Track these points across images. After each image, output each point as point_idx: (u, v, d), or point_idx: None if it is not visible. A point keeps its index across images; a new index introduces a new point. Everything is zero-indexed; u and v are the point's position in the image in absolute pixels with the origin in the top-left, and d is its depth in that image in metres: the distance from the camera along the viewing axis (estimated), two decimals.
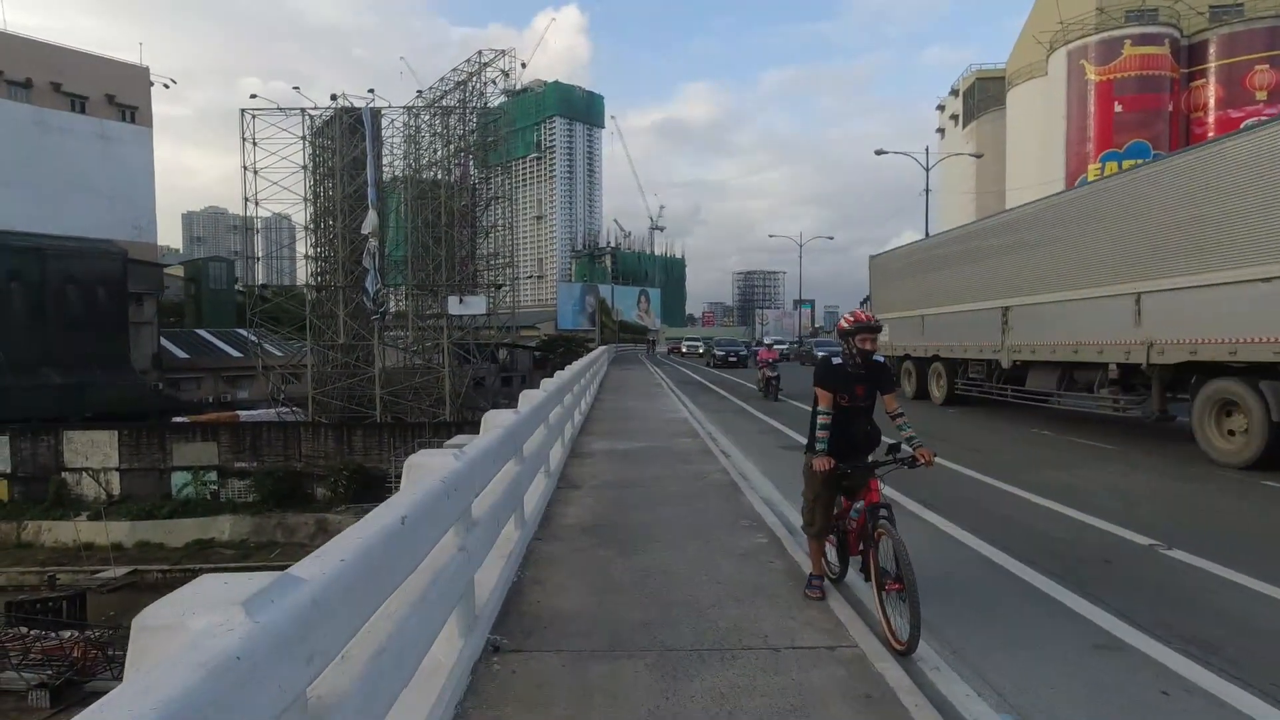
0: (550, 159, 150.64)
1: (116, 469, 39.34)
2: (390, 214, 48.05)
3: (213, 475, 40.23)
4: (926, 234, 31.01)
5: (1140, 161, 41.44)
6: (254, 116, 41.23)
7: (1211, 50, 41.27)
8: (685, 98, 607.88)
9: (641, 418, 13.03)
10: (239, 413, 47.45)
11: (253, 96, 40.11)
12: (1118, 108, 41.27)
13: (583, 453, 9.37)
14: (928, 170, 29.69)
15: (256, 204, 41.81)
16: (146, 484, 39.87)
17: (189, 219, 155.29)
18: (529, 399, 6.76)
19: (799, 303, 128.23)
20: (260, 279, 52.61)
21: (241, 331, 54.50)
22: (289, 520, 38.36)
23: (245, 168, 40.99)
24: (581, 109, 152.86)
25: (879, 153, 29.44)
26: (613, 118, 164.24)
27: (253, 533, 37.80)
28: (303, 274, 45.86)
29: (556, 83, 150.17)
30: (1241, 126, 40.62)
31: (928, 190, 30.26)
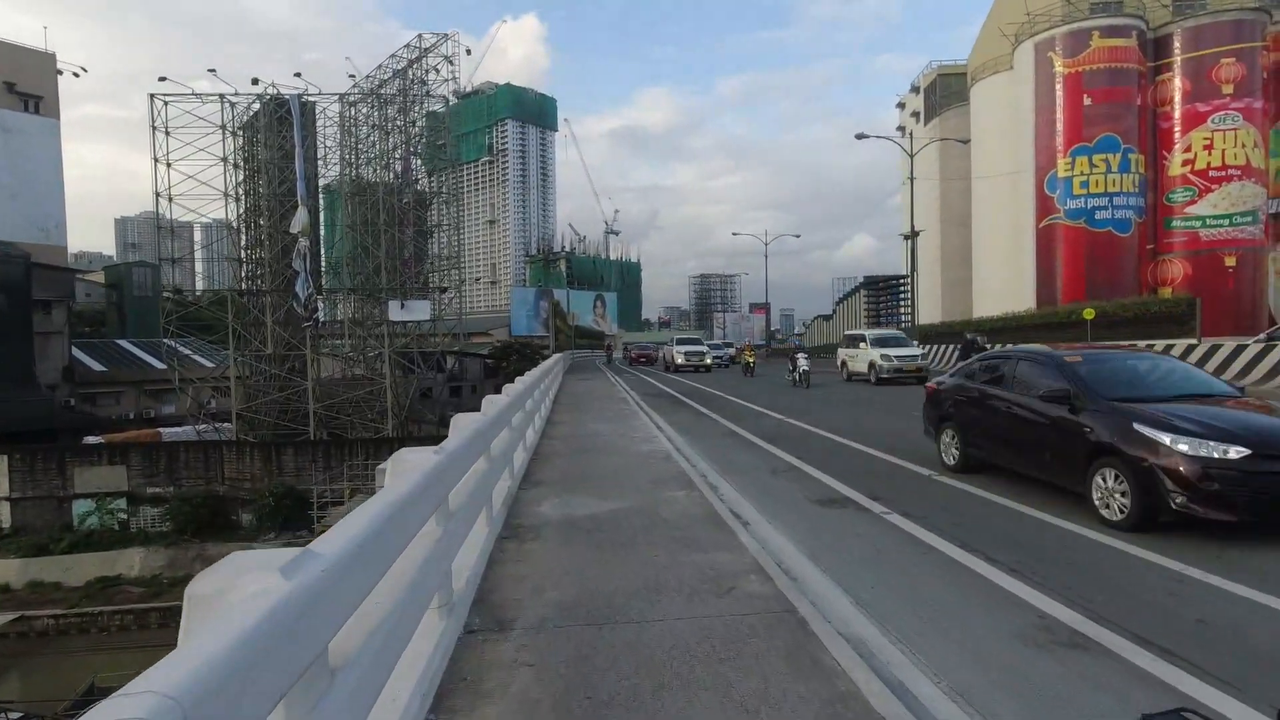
0: (503, 162, 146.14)
1: (6, 498, 34.33)
2: (328, 213, 43.74)
3: (121, 502, 35.47)
4: (911, 221, 28.45)
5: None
6: (165, 103, 36.62)
7: (1176, 43, 39.83)
8: (643, 103, 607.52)
9: (608, 451, 9.63)
10: (160, 430, 42.44)
11: (162, 79, 35.51)
12: (1087, 100, 39.50)
13: (522, 525, 5.97)
14: (912, 156, 27.15)
15: (170, 200, 37.17)
16: (43, 515, 34.87)
17: (123, 224, 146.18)
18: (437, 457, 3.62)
19: (755, 306, 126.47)
20: (199, 285, 47.68)
21: (169, 341, 49.36)
22: (209, 551, 33.84)
23: (156, 160, 36.34)
24: (534, 112, 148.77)
25: (860, 137, 26.84)
26: (566, 120, 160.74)
27: (167, 567, 33.23)
28: (228, 278, 41.22)
29: (508, 85, 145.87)
30: (1209, 120, 39.46)
31: (912, 178, 27.69)
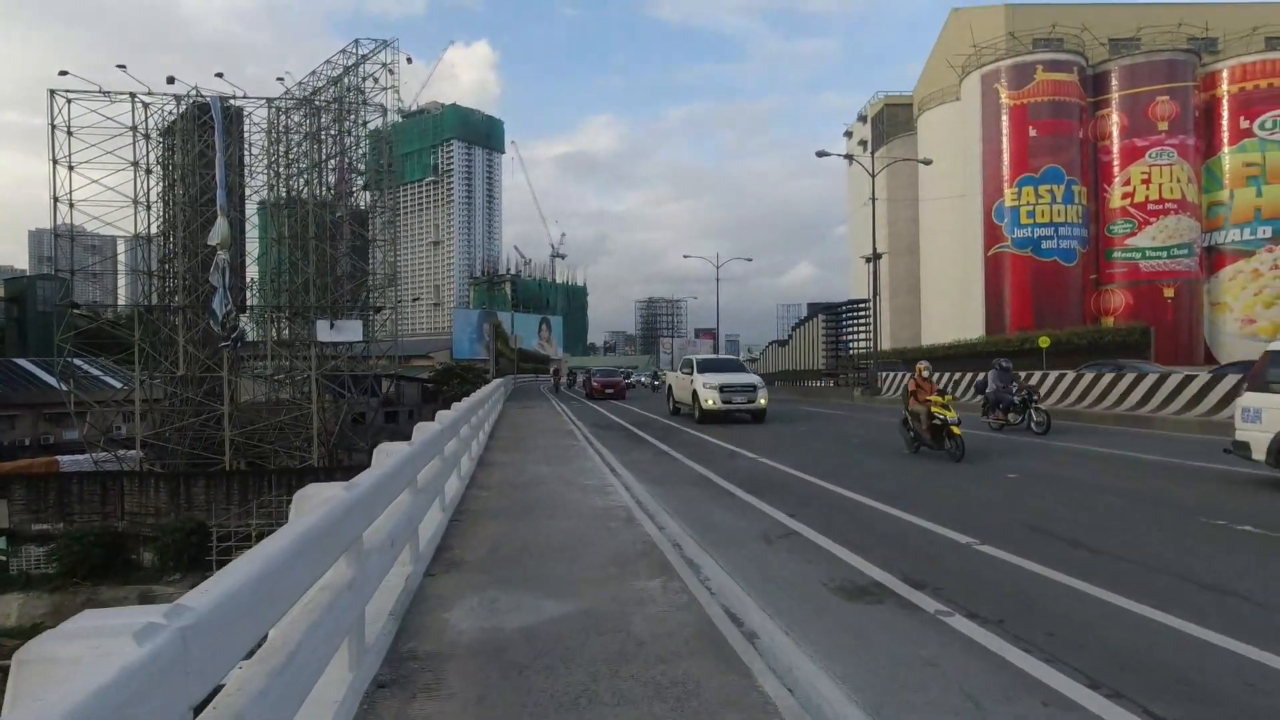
0: (448, 183, 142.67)
1: None
2: (261, 227, 40.42)
3: (1, 541, 31.31)
4: (874, 243, 27.29)
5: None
6: (69, 100, 33.12)
7: (1114, 80, 40.46)
8: (591, 130, 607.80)
9: (554, 507, 7.49)
10: (59, 459, 38.02)
11: (63, 74, 32.09)
12: (1032, 131, 39.64)
13: (415, 656, 3.82)
14: (874, 175, 26.02)
15: (71, 207, 33.53)
16: None
17: (37, 237, 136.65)
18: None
19: (702, 331, 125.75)
20: (120, 300, 43.31)
21: (76, 361, 44.77)
22: (103, 595, 30.02)
23: (55, 161, 32.73)
24: (481, 133, 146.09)
25: (820, 154, 25.61)
26: (513, 142, 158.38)
27: (51, 614, 29.17)
28: (137, 293, 37.48)
29: (454, 105, 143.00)
30: (1146, 155, 40.00)
31: (874, 198, 26.55)
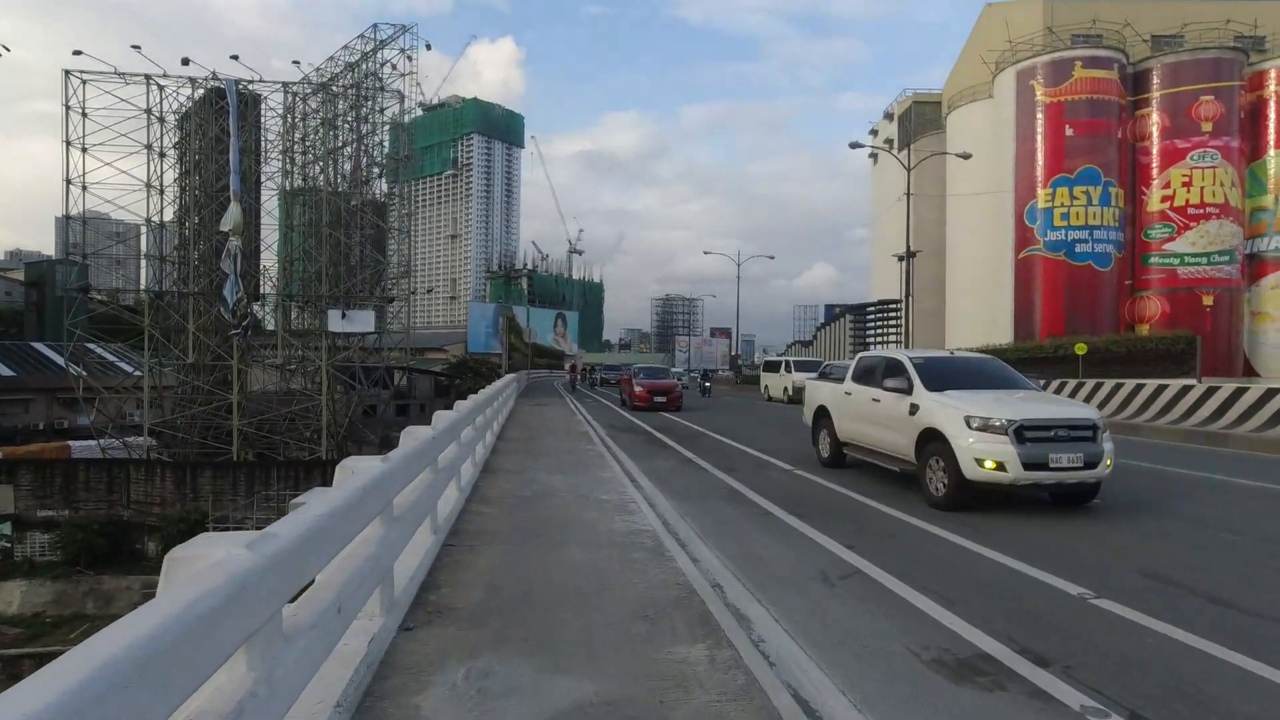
0: (467, 177, 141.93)
1: None
2: (281, 214, 39.55)
3: (5, 527, 30.65)
4: (908, 240, 25.88)
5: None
6: (83, 81, 32.36)
7: (1156, 79, 38.65)
8: (611, 127, 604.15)
9: (566, 532, 6.29)
10: (71, 444, 37.38)
11: (77, 54, 31.33)
12: (1069, 131, 37.94)
13: None
14: (909, 170, 24.62)
15: (84, 189, 32.80)
16: None
17: (61, 223, 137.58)
18: None
19: (717, 330, 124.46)
20: (142, 286, 42.64)
21: (92, 347, 44.26)
22: (106, 585, 29.31)
23: (68, 143, 31.99)
24: (501, 127, 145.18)
25: (854, 145, 24.24)
26: (533, 137, 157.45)
27: (53, 602, 28.57)
28: (149, 278, 36.75)
29: (475, 99, 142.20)
30: (1188, 157, 38.18)
31: (909, 194, 25.14)
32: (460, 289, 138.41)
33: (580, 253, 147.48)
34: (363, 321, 33.51)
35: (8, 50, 48.87)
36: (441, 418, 6.54)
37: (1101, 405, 18.07)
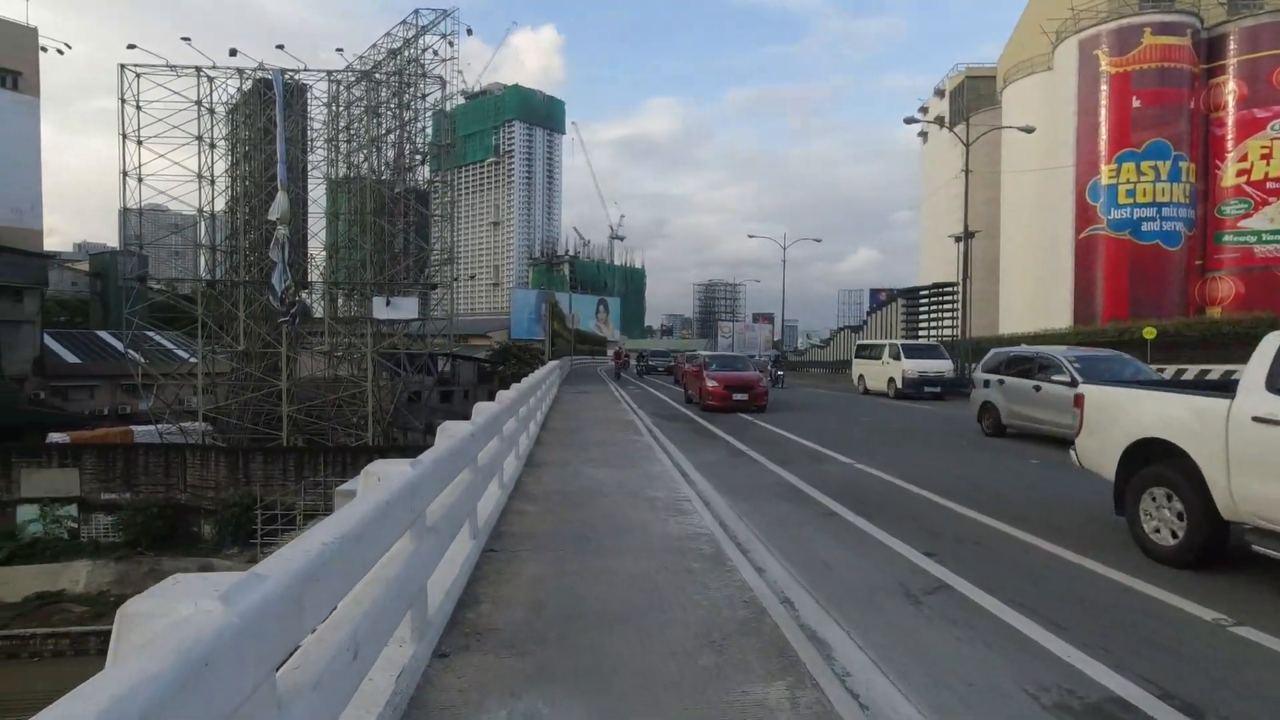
0: (509, 164, 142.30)
1: None
2: (329, 203, 39.90)
3: (71, 509, 31.64)
4: (965, 219, 24.64)
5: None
6: (138, 75, 32.91)
7: (1232, 44, 36.07)
8: (651, 112, 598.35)
9: (614, 537, 5.74)
10: (133, 429, 38.51)
11: (131, 47, 31.83)
12: (1136, 102, 35.73)
13: None
14: (968, 146, 23.36)
15: (140, 181, 33.43)
16: None
17: (127, 217, 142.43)
18: None
19: (759, 316, 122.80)
20: (200, 275, 43.78)
21: (152, 334, 45.60)
22: (164, 566, 29.99)
23: (123, 136, 32.61)
24: (542, 114, 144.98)
25: (909, 121, 23.09)
26: (574, 123, 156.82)
27: (115, 582, 29.33)
28: (200, 267, 37.44)
29: (516, 86, 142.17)
30: (1268, 128, 35.69)
31: (967, 170, 23.89)
32: (503, 276, 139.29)
33: (622, 238, 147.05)
34: (406, 308, 33.58)
35: (69, 48, 50.17)
36: (482, 410, 6.08)
37: None
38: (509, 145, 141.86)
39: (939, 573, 5.14)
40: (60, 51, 49.74)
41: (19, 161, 46.80)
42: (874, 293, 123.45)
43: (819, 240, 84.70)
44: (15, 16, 46.69)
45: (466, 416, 5.08)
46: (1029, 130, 24.37)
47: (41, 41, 49.45)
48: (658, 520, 6.29)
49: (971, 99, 48.98)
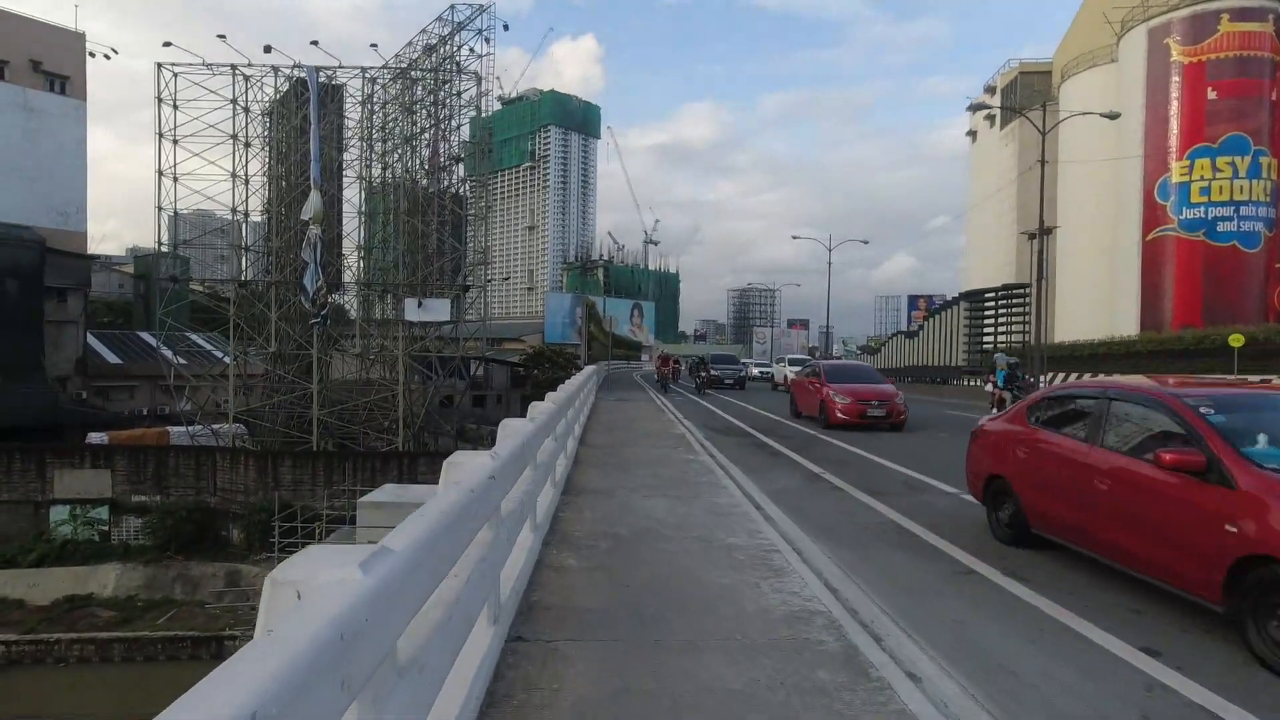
0: (544, 168, 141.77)
1: None
2: (360, 204, 39.07)
3: (103, 511, 30.95)
4: (1041, 214, 22.47)
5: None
6: (175, 74, 32.28)
7: None
8: (687, 119, 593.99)
9: (687, 613, 4.08)
10: (169, 430, 37.94)
11: (166, 45, 31.20)
12: (1211, 94, 33.07)
13: None
14: (1043, 134, 21.18)
15: (175, 180, 32.79)
16: (17, 521, 30.43)
17: (174, 221, 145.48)
18: None
19: (794, 322, 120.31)
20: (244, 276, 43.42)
21: (192, 335, 45.22)
22: (193, 571, 29.10)
23: (160, 135, 31.98)
24: (578, 119, 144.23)
25: (974, 108, 20.88)
26: (609, 128, 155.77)
27: (144, 586, 28.48)
28: (233, 268, 36.76)
29: (553, 91, 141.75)
30: None
31: (1043, 161, 21.73)
32: (537, 280, 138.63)
33: (656, 243, 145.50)
34: (439, 310, 32.35)
35: (115, 53, 50.25)
36: (510, 434, 4.43)
37: None
38: (545, 150, 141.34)
39: (1194, 693, 3.33)
40: (107, 57, 49.86)
41: (66, 165, 46.83)
42: (912, 299, 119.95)
43: (866, 242, 79.89)
44: (64, 22, 46.99)
45: (500, 422, 3.63)
46: (1113, 116, 22.07)
47: (90, 47, 49.64)
48: (746, 584, 4.55)
49: (1024, 95, 46.35)
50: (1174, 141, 33.94)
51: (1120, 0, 36.63)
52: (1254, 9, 33.03)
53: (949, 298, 45.49)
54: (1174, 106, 33.88)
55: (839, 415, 14.63)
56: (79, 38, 47.92)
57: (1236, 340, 23.89)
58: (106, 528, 30.55)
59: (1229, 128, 32.89)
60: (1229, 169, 32.99)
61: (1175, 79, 33.79)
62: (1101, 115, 21.31)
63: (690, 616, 4.01)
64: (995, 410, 14.11)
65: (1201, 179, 33.33)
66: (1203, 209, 33.40)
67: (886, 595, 4.58)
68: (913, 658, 3.65)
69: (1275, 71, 33.27)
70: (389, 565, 1.71)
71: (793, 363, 30.21)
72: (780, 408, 19.55)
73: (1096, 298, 37.96)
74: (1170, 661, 3.70)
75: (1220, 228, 33.27)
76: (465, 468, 3.23)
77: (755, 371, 35.97)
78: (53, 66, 46.35)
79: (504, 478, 3.48)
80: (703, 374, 26.94)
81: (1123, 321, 35.27)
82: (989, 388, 15.27)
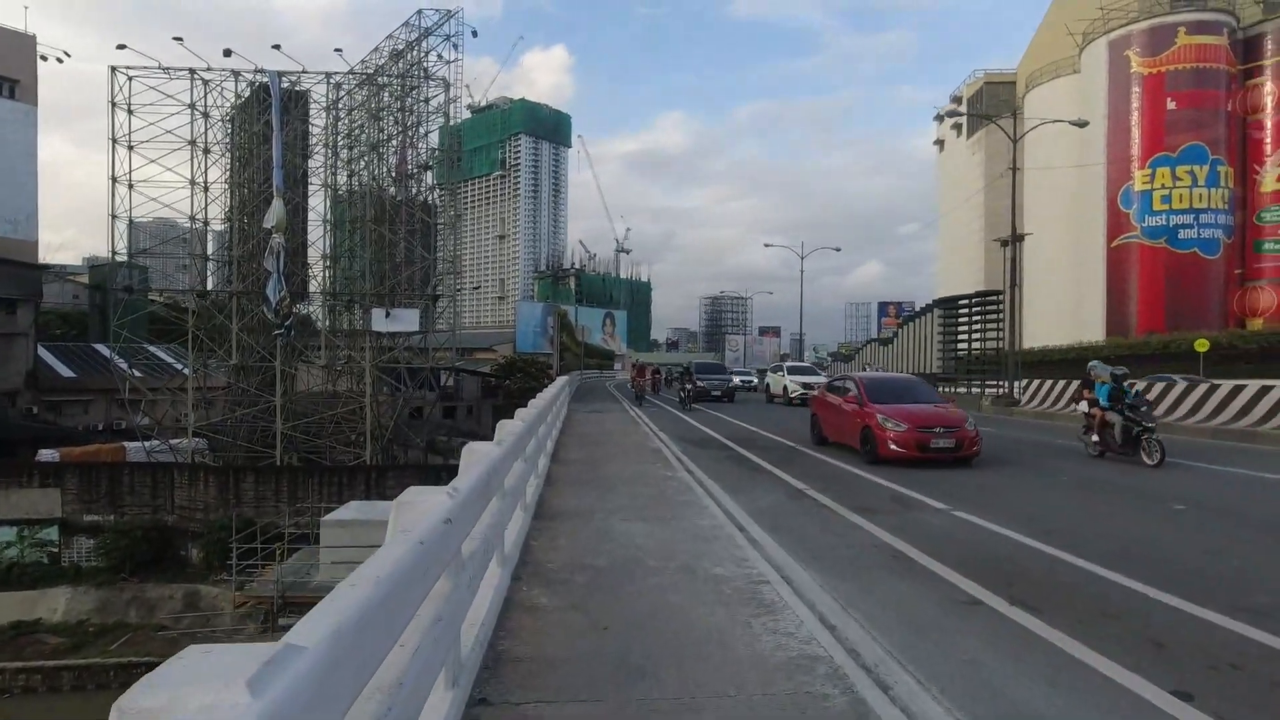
0: (515, 177, 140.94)
1: None
2: (337, 211, 38.09)
3: (52, 532, 29.53)
4: (1013, 221, 22.56)
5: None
6: (130, 78, 31.14)
7: (1269, 44, 34.23)
8: (661, 127, 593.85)
9: (677, 664, 3.59)
10: (126, 445, 36.39)
11: (121, 47, 30.08)
12: (1170, 104, 33.80)
13: None
14: (1015, 141, 21.24)
15: (131, 187, 31.60)
16: None
17: (131, 229, 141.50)
18: None
19: (765, 330, 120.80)
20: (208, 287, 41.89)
21: (149, 347, 43.52)
22: (149, 593, 27.85)
23: (114, 140, 30.80)
24: (549, 128, 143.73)
25: (945, 115, 20.51)
26: (580, 137, 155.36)
27: (97, 610, 27.15)
28: (193, 278, 35.52)
29: (523, 100, 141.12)
30: None
31: (1014, 168, 21.83)
32: (509, 289, 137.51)
33: (628, 252, 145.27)
34: (407, 320, 31.55)
35: (68, 56, 48.59)
36: (474, 462, 3.96)
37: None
38: (515, 159, 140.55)
39: None
40: (60, 60, 48.24)
41: (16, 171, 45.02)
42: (882, 305, 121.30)
43: (838, 249, 79.62)
44: (13, 24, 45.30)
45: (471, 434, 3.09)
46: (1082, 124, 22.30)
47: (41, 50, 47.91)
48: (737, 625, 4.11)
49: (990, 104, 47.06)
50: (1136, 150, 34.61)
51: (1082, 12, 37.32)
52: (1210, 23, 33.88)
53: (919, 305, 45.84)
54: (1135, 116, 34.57)
55: (892, 448, 10.78)
56: (29, 40, 46.26)
57: (1202, 345, 24.25)
58: (56, 549, 29.13)
59: (1188, 137, 33.62)
60: (1189, 177, 33.70)
61: (1136, 89, 34.48)
62: (1071, 123, 21.50)
63: (681, 669, 3.55)
64: (1095, 437, 11.35)
65: (1163, 187, 34.00)
66: (1164, 216, 34.05)
67: (890, 634, 4.18)
68: (926, 712, 3.25)
69: (1230, 83, 34.12)
70: (292, 677, 1.23)
71: (794, 371, 27.06)
72: (785, 426, 16.65)
73: (1065, 304, 38.49)
74: (1205, 706, 3.35)
75: (1181, 235, 33.95)
76: (418, 508, 2.74)
77: (737, 381, 31.51)
78: (1, 70, 44.65)
79: (464, 519, 2.96)
80: (688, 386, 23.58)
81: (1089, 327, 35.78)
82: (1082, 406, 11.84)
